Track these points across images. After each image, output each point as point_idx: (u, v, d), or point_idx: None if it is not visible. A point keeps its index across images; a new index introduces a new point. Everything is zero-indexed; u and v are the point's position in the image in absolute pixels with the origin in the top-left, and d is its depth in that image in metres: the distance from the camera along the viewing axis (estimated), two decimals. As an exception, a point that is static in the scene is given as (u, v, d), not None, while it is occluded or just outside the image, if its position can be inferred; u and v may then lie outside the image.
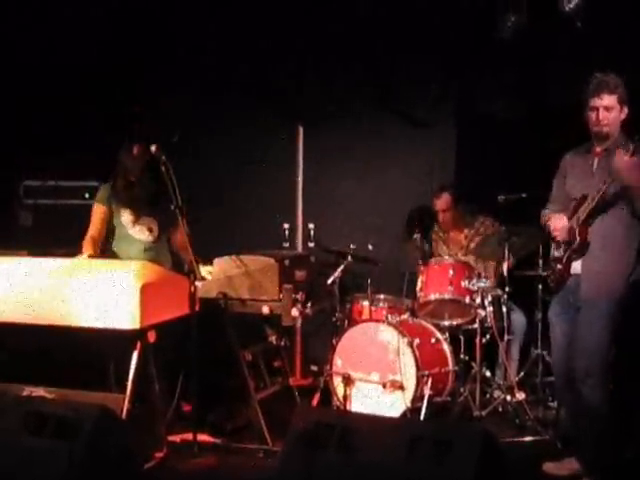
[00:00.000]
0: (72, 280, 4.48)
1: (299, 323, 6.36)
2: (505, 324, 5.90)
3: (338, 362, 5.65)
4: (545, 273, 4.89)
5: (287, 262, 5.17)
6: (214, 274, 5.16)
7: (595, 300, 4.39)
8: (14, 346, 4.63)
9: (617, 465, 4.42)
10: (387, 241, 6.75)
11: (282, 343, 5.80)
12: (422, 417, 5.34)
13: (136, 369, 4.47)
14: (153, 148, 4.74)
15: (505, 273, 5.81)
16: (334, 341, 5.75)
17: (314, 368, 6.67)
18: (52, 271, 4.60)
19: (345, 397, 5.52)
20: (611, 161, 4.29)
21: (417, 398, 5.41)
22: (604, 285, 4.40)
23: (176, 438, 4.97)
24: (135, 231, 5.36)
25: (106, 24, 6.88)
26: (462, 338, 5.99)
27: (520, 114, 6.68)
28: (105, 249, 5.38)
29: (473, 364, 5.85)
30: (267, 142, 7.21)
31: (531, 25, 6.13)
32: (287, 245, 6.67)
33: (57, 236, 5.80)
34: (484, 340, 5.83)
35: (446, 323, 5.94)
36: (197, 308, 4.65)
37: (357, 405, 5.51)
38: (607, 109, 4.39)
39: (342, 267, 5.99)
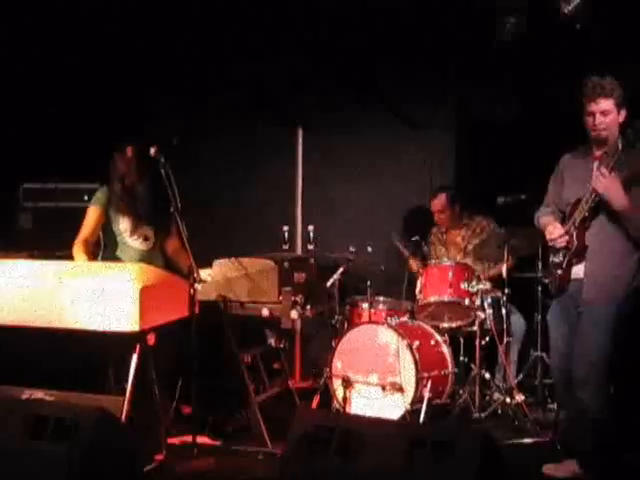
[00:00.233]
0: (72, 282, 4.47)
1: (298, 325, 6.42)
2: (505, 326, 5.90)
3: (338, 364, 5.65)
4: (546, 280, 4.86)
5: (286, 264, 5.17)
6: (213, 276, 5.16)
7: (596, 305, 4.37)
8: (14, 349, 4.62)
9: (617, 468, 4.41)
10: (386, 243, 6.75)
11: (281, 345, 5.81)
12: (421, 419, 5.34)
13: (135, 372, 4.46)
14: (152, 150, 4.73)
15: (504, 275, 5.81)
16: (333, 343, 5.75)
17: (313, 370, 6.68)
18: (51, 273, 4.59)
19: (345, 399, 5.53)
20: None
21: (417, 400, 5.41)
22: (605, 290, 4.37)
23: (175, 440, 4.97)
24: (132, 239, 5.34)
25: (104, 26, 6.88)
26: (462, 340, 6.00)
27: (519, 116, 6.68)
28: (97, 253, 5.37)
29: (472, 366, 5.85)
30: (266, 145, 7.21)
31: (530, 29, 6.14)
32: (286, 247, 6.67)
33: (56, 238, 5.78)
34: (483, 342, 5.84)
35: (445, 325, 5.95)
36: (196, 311, 4.65)
37: (357, 407, 5.51)
38: (604, 114, 4.35)
39: (341, 269, 5.99)
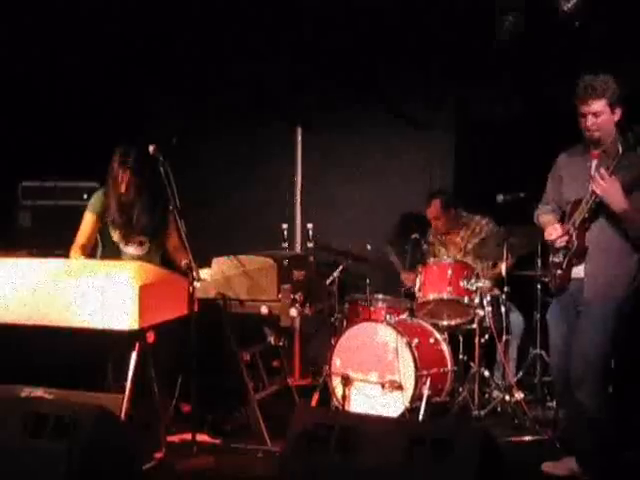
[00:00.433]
0: (71, 280, 4.48)
1: (298, 323, 6.39)
2: (504, 324, 5.90)
3: (337, 362, 5.65)
4: (546, 279, 4.85)
5: (286, 262, 5.17)
6: (212, 274, 5.16)
7: (596, 304, 4.36)
8: (13, 347, 4.62)
9: (616, 466, 4.41)
10: (386, 242, 6.75)
11: (281, 343, 5.80)
12: (421, 417, 5.34)
13: (135, 370, 4.46)
14: (151, 148, 4.73)
15: (504, 273, 5.81)
16: (333, 341, 5.75)
17: (312, 368, 6.68)
18: (51, 271, 4.59)
19: (344, 397, 5.53)
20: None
21: (416, 398, 5.41)
22: (605, 290, 4.37)
23: (175, 438, 4.97)
24: (126, 247, 5.34)
25: (104, 26, 6.88)
26: (461, 338, 6.00)
27: (518, 115, 6.68)
28: (95, 253, 5.38)
29: (472, 364, 5.85)
30: (266, 144, 7.21)
31: (528, 28, 6.14)
32: (286, 245, 6.67)
33: (55, 237, 5.78)
34: (483, 340, 5.83)
35: (445, 323, 5.95)
36: (196, 309, 4.65)
37: (356, 405, 5.52)
38: (595, 115, 4.32)
39: (341, 267, 6.00)
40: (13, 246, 5.86)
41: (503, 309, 5.94)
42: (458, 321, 5.93)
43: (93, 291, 4.39)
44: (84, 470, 3.47)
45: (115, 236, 5.32)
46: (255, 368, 5.61)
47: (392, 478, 3.28)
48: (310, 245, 6.61)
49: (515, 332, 6.18)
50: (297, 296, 5.05)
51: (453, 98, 7.04)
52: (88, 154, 6.58)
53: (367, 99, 7.07)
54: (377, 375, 5.51)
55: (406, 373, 5.42)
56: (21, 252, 5.69)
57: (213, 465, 4.81)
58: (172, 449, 4.81)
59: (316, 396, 5.75)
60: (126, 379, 4.44)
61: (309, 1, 6.78)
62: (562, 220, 4.56)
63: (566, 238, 4.45)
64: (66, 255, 5.26)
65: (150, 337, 4.51)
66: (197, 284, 4.71)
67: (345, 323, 6.02)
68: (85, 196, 6.55)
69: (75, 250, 5.26)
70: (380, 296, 6.10)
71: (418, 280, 5.97)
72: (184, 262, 4.66)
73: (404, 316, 5.96)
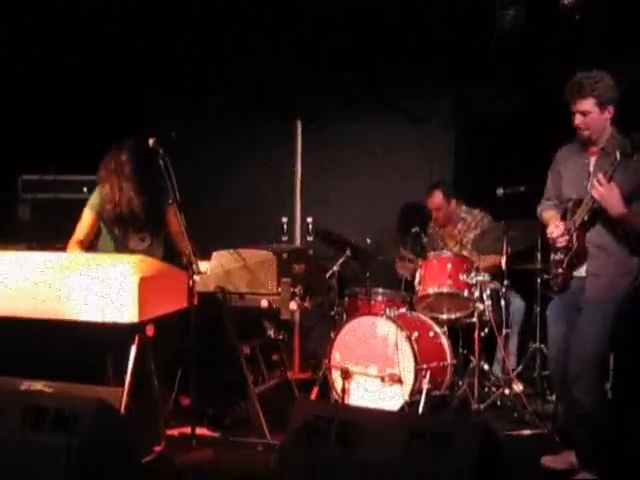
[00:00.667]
0: (71, 274, 4.47)
1: (297, 317, 6.41)
2: (504, 317, 5.91)
3: (336, 356, 5.66)
4: (548, 276, 4.84)
5: (285, 256, 5.17)
6: (212, 268, 5.16)
7: (596, 303, 4.36)
8: (12, 340, 4.62)
9: (615, 461, 4.41)
10: (385, 235, 6.75)
11: (280, 337, 5.80)
12: (420, 410, 5.35)
13: (134, 363, 4.46)
14: (151, 142, 4.72)
15: (504, 267, 5.81)
16: (332, 335, 5.76)
17: (312, 362, 6.69)
18: (50, 265, 4.59)
19: (344, 390, 5.53)
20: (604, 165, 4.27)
21: (415, 391, 5.42)
22: (606, 289, 4.36)
23: (174, 432, 4.97)
24: (128, 242, 5.33)
25: (104, 26, 6.87)
26: (460, 332, 6.00)
27: (518, 109, 6.67)
28: (93, 251, 5.37)
29: (471, 357, 5.86)
30: (266, 137, 7.21)
31: (529, 21, 6.12)
32: (285, 239, 6.67)
33: (55, 230, 5.78)
34: (482, 334, 5.83)
35: (444, 317, 5.95)
36: (195, 302, 4.64)
37: (355, 399, 5.52)
38: (584, 114, 4.31)
39: (341, 261, 5.99)
40: (13, 239, 5.86)
41: (503, 302, 5.94)
42: (458, 315, 5.94)
43: (93, 284, 4.39)
44: (83, 463, 3.48)
45: (116, 231, 5.31)
46: (255, 362, 5.62)
47: (392, 471, 3.29)
48: (310, 239, 6.61)
49: (516, 318, 6.20)
50: (297, 290, 5.05)
51: (453, 92, 7.04)
52: (88, 149, 6.58)
53: (367, 95, 7.07)
54: (377, 369, 5.51)
55: (406, 367, 5.43)
56: (21, 245, 5.69)
57: (212, 459, 4.81)
58: (172, 442, 4.81)
59: (316, 390, 5.76)
60: (126, 372, 4.44)
61: (309, 1, 6.76)
62: (564, 216, 4.55)
63: (567, 238, 4.44)
64: (66, 248, 5.26)
65: (150, 330, 4.50)
66: (197, 277, 4.70)
67: (345, 317, 6.02)
68: (85, 189, 6.57)
69: (72, 245, 5.25)
70: (380, 290, 6.10)
71: (418, 274, 5.97)
72: (185, 255, 4.67)
73: (404, 310, 5.96)
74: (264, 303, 5.07)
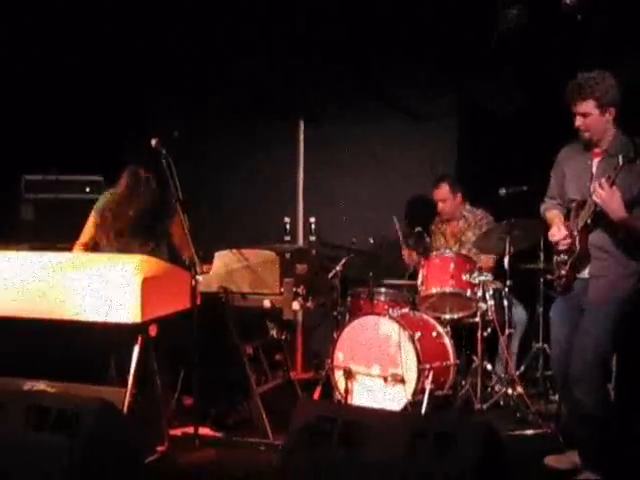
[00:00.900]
0: (73, 274, 4.48)
1: (300, 317, 6.41)
2: (506, 317, 5.90)
3: (339, 356, 5.65)
4: (551, 277, 4.84)
5: (288, 256, 5.17)
6: (215, 268, 5.16)
7: (599, 304, 4.35)
8: (15, 340, 4.62)
9: (617, 461, 4.41)
10: (388, 235, 6.74)
11: (283, 337, 5.80)
12: (423, 410, 5.34)
13: (137, 363, 4.47)
14: (153, 142, 4.72)
15: (506, 266, 5.80)
16: (335, 335, 5.75)
17: (315, 362, 6.69)
18: (53, 265, 4.59)
19: (346, 390, 5.53)
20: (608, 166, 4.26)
21: (418, 391, 5.41)
22: (609, 290, 4.35)
23: (177, 432, 4.98)
24: (131, 247, 5.33)
25: (104, 26, 6.87)
26: (463, 331, 5.99)
27: (520, 108, 6.67)
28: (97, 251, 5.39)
29: (474, 357, 5.86)
30: (268, 137, 7.21)
31: (531, 20, 6.12)
32: (288, 239, 6.67)
33: (58, 230, 5.79)
34: (485, 333, 5.82)
35: (447, 316, 5.94)
36: (198, 302, 4.65)
37: (358, 399, 5.52)
38: (584, 116, 4.29)
39: (343, 261, 5.99)
40: (15, 239, 5.86)
41: (505, 303, 5.93)
42: (461, 314, 5.93)
43: (96, 284, 4.39)
44: (86, 463, 3.48)
45: (120, 235, 5.31)
46: (257, 361, 5.62)
47: (395, 471, 3.28)
48: (312, 239, 6.61)
49: (518, 326, 6.18)
50: (299, 289, 5.05)
51: (455, 91, 7.03)
52: (89, 149, 6.59)
53: (369, 93, 7.06)
54: (379, 368, 5.51)
55: (408, 366, 5.42)
56: (23, 245, 5.69)
57: (215, 458, 4.81)
58: (174, 442, 4.82)
59: (318, 389, 5.76)
60: (128, 372, 4.45)
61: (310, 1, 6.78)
62: (567, 216, 4.54)
63: (569, 241, 4.44)
64: (69, 248, 5.27)
65: (153, 330, 4.51)
66: (200, 277, 4.71)
67: (347, 316, 6.01)
68: (87, 189, 6.57)
69: (77, 248, 5.31)
70: (382, 289, 6.10)
71: (420, 273, 5.96)
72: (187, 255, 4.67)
73: (406, 309, 5.95)
74: (267, 303, 5.07)
